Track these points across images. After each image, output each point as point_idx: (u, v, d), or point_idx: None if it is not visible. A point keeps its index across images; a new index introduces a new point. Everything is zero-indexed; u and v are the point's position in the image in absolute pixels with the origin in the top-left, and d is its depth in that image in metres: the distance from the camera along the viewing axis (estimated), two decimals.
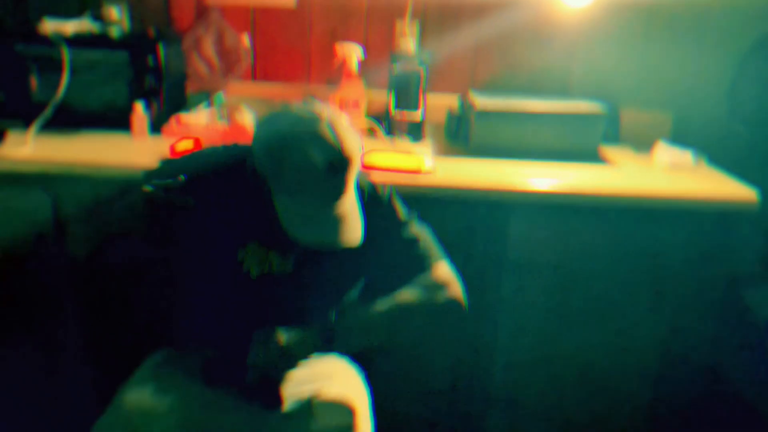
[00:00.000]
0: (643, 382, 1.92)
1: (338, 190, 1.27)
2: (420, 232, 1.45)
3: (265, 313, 1.38)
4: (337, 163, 1.24)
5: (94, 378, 1.83)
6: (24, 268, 1.76)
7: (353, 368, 1.49)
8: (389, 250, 1.42)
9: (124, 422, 1.26)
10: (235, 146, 1.47)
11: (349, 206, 1.31)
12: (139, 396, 1.31)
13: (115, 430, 1.25)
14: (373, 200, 1.43)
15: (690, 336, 1.89)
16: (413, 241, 1.43)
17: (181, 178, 1.38)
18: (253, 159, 1.30)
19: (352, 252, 1.40)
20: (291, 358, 1.31)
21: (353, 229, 1.30)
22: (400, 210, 1.46)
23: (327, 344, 1.33)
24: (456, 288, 1.40)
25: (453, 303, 1.39)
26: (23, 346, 1.85)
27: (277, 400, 1.37)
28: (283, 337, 1.30)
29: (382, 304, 1.36)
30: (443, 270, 1.41)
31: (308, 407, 1.34)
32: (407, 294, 1.37)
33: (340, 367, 1.47)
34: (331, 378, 1.42)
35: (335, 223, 1.28)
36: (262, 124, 1.32)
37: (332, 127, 1.25)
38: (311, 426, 1.30)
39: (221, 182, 1.39)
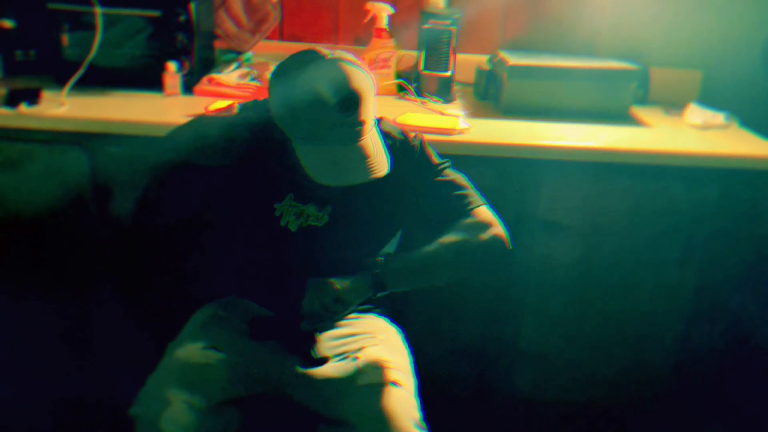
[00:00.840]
0: (671, 339, 1.95)
1: (355, 126, 1.28)
2: (456, 176, 1.46)
3: (306, 266, 1.41)
4: (348, 99, 1.25)
5: (132, 337, 1.86)
6: (62, 225, 1.78)
7: (394, 327, 1.51)
8: (427, 195, 1.44)
9: (177, 375, 1.29)
10: (259, 102, 1.47)
11: (370, 139, 1.31)
12: (190, 351, 1.33)
13: (169, 383, 1.27)
14: (404, 148, 1.44)
15: (718, 295, 1.91)
16: (450, 185, 1.44)
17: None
18: (272, 114, 1.32)
19: (388, 201, 1.43)
20: (344, 304, 1.34)
21: (378, 161, 1.30)
22: (433, 155, 1.47)
23: (378, 289, 1.36)
24: (498, 227, 1.41)
25: (497, 240, 1.40)
26: (60, 306, 1.87)
27: (322, 356, 1.39)
28: (336, 283, 1.33)
29: (428, 247, 1.38)
30: (484, 212, 1.43)
31: (353, 364, 1.36)
32: (451, 236, 1.39)
33: (381, 326, 1.49)
34: (374, 336, 1.44)
35: (359, 159, 1.29)
36: (271, 78, 1.33)
37: (337, 65, 1.26)
38: (356, 383, 1.32)
39: (251, 140, 1.41)
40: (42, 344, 1.91)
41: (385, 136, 1.38)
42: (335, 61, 1.27)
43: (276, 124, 1.32)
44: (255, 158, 1.42)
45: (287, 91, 1.27)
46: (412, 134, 1.48)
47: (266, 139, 1.37)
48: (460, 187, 1.44)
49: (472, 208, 1.42)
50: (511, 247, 1.43)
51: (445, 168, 1.46)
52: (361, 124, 1.28)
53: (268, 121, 1.34)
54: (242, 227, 1.50)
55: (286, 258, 1.46)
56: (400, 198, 1.44)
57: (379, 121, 1.42)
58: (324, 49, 1.31)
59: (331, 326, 1.43)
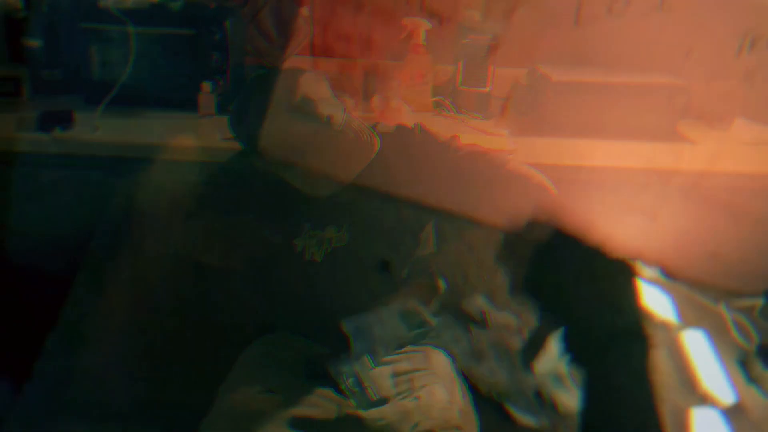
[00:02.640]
0: None
1: (295, 96, 1.27)
2: (472, 146, 1.42)
3: (345, 289, 1.36)
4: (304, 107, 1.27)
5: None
6: (99, 252, 1.71)
7: (450, 362, 1.44)
8: (447, 171, 1.38)
9: (233, 423, 1.23)
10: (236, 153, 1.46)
11: (346, 126, 1.31)
12: (245, 396, 1.27)
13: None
14: (402, 134, 1.42)
15: None
16: (470, 156, 1.39)
17: None
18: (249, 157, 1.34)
19: (404, 193, 1.38)
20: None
21: (365, 139, 1.32)
22: (438, 135, 1.43)
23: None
24: (537, 176, 1.36)
25: (539, 189, 1.35)
26: None
27: (381, 397, 1.32)
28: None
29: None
30: (515, 167, 1.38)
31: (413, 405, 1.29)
32: (494, 200, 1.32)
33: (439, 361, 1.42)
34: (433, 373, 1.37)
35: (348, 148, 1.30)
36: (230, 128, 1.37)
37: (282, 81, 1.29)
38: (417, 429, 1.25)
39: (245, 191, 1.40)
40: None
41: (382, 136, 1.36)
42: (280, 76, 1.30)
43: (253, 168, 1.32)
44: (258, 206, 1.39)
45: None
46: (411, 124, 1.45)
47: (261, 183, 1.35)
48: (480, 153, 1.40)
49: (501, 164, 1.38)
50: (555, 193, 1.37)
51: (455, 142, 1.42)
52: (328, 118, 1.28)
53: (254, 165, 1.33)
54: (269, 274, 1.45)
55: (320, 289, 1.40)
56: (415, 185, 1.37)
57: (374, 126, 1.39)
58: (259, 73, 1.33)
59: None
